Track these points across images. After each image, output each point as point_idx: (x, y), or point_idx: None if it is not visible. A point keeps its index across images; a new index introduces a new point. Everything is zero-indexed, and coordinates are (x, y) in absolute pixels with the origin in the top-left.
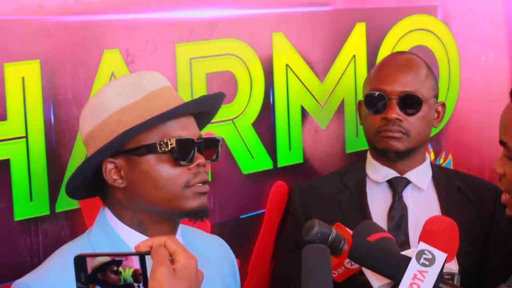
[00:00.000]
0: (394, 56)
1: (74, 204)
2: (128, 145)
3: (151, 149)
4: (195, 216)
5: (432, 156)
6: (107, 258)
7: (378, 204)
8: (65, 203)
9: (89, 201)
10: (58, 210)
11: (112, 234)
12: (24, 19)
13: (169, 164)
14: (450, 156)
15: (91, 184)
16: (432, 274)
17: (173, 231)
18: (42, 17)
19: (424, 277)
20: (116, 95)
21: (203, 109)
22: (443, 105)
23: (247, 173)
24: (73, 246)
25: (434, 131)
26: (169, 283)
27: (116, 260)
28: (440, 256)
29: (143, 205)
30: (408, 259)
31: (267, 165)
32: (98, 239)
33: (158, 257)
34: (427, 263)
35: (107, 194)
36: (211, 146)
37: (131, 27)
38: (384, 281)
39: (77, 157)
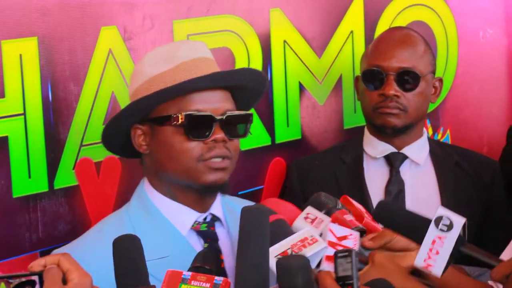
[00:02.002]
0: (392, 31)
1: (72, 181)
2: (152, 114)
3: (168, 120)
4: (210, 190)
5: (430, 131)
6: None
7: (375, 179)
8: (63, 180)
9: (88, 178)
10: (56, 187)
11: (148, 204)
12: None
13: (184, 137)
14: (448, 132)
15: (130, 147)
16: (451, 239)
17: (203, 200)
18: None
19: (443, 242)
20: (152, 63)
21: (219, 84)
22: (441, 80)
23: (245, 149)
24: (112, 219)
25: (431, 106)
26: None
27: (31, 280)
28: (458, 221)
29: (165, 174)
30: (429, 221)
31: (265, 141)
32: (136, 212)
33: (49, 278)
34: (445, 228)
35: (141, 159)
36: (237, 122)
37: (129, 4)
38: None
39: (75, 134)
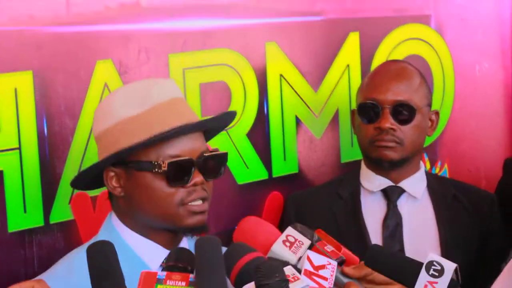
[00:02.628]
0: (387, 64)
1: (68, 216)
2: (128, 157)
3: (148, 166)
4: (191, 233)
5: (428, 165)
6: None
7: (373, 213)
8: (59, 215)
9: (84, 212)
10: (52, 221)
11: (118, 240)
12: (16, 30)
13: (164, 183)
14: (445, 166)
15: (97, 182)
16: (442, 284)
17: (174, 238)
18: (34, 27)
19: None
20: (124, 103)
21: (202, 129)
22: (437, 113)
23: (242, 183)
24: (80, 253)
25: (428, 140)
26: None
27: None
28: (449, 267)
29: (141, 217)
30: (421, 265)
31: (262, 175)
32: None
33: None
34: (437, 274)
35: (112, 198)
36: (214, 162)
37: (124, 38)
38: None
39: (71, 169)
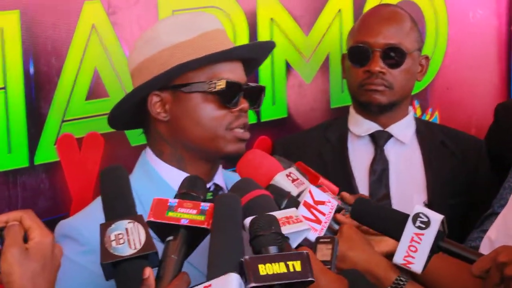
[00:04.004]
0: (378, 8)
1: (53, 157)
2: (176, 81)
3: (199, 87)
4: (232, 160)
5: (419, 112)
6: None
7: (360, 158)
8: (44, 156)
9: (69, 154)
10: (37, 162)
11: (153, 174)
12: None
13: (214, 105)
14: (436, 113)
15: (134, 116)
16: (429, 236)
17: (210, 171)
18: None
19: (421, 239)
20: (171, 31)
21: (255, 55)
22: (427, 58)
23: None
24: None
25: (419, 87)
26: (20, 265)
27: None
28: (436, 218)
29: (184, 142)
30: (407, 217)
31: (251, 119)
32: (140, 182)
33: (10, 236)
34: (423, 226)
35: (149, 128)
36: (254, 93)
37: None
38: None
39: (56, 109)
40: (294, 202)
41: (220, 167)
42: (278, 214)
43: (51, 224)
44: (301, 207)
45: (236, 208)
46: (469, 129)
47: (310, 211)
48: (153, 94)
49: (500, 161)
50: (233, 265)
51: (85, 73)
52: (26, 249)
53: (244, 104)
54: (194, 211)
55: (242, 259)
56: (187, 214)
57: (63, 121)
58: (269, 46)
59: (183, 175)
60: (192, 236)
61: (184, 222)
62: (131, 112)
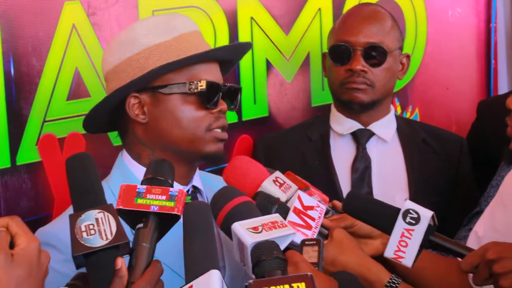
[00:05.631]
0: (359, 7)
1: (35, 157)
2: (155, 82)
3: (179, 88)
4: (212, 160)
5: (399, 110)
6: None
7: (342, 156)
8: (26, 156)
9: (51, 154)
10: (19, 163)
11: (130, 176)
12: None
13: (193, 106)
14: (416, 110)
15: (111, 118)
16: (419, 232)
17: (188, 172)
18: None
19: (411, 235)
20: (148, 33)
21: (233, 56)
22: (408, 57)
23: None
24: None
25: (400, 85)
26: (5, 271)
27: None
28: (426, 215)
29: (163, 143)
30: (398, 211)
31: (232, 118)
32: (116, 183)
33: None
34: (413, 222)
35: (126, 130)
36: (232, 94)
37: None
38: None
39: (38, 110)
40: (283, 208)
41: (197, 168)
42: (263, 219)
43: (33, 224)
44: (291, 214)
45: (207, 211)
46: (450, 127)
47: (300, 217)
48: (131, 96)
49: (483, 158)
50: (211, 264)
51: (66, 73)
52: (11, 255)
53: (223, 105)
54: (164, 197)
55: (246, 284)
56: (156, 201)
57: (45, 121)
58: (247, 48)
59: None
60: (163, 222)
61: (154, 209)
62: (107, 114)
